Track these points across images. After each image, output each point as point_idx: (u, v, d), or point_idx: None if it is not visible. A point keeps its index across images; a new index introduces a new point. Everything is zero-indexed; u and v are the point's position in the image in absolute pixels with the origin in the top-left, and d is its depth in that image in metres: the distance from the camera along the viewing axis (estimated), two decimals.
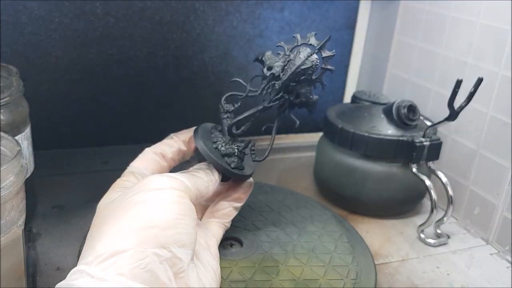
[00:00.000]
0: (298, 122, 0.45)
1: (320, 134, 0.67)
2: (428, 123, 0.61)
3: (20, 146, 0.39)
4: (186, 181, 0.38)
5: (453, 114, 0.54)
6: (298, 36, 0.43)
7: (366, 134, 0.57)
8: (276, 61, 0.43)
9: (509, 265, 0.55)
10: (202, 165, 0.43)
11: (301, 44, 0.43)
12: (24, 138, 0.49)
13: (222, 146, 0.44)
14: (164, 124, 0.75)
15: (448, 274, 0.52)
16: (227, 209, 0.45)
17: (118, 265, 0.31)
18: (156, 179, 0.37)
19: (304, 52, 0.42)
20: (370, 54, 0.83)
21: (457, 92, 0.52)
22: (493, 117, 0.57)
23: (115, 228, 0.33)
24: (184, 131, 0.47)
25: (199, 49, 0.74)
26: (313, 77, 0.43)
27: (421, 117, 0.62)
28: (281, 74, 0.42)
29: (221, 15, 0.73)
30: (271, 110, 0.44)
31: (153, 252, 0.32)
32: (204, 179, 0.41)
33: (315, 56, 0.42)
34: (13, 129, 0.47)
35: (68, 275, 0.32)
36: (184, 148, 0.46)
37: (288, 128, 0.84)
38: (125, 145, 0.74)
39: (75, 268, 0.32)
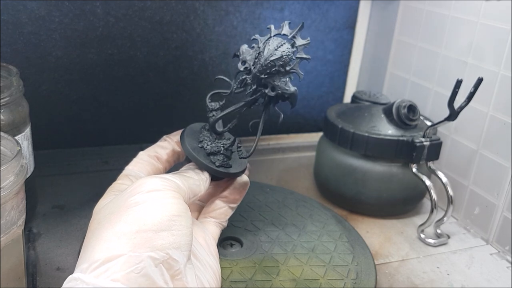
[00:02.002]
0: (282, 115, 0.43)
1: (320, 134, 0.67)
2: (428, 123, 0.61)
3: (20, 146, 0.39)
4: (178, 181, 0.38)
5: (453, 114, 0.54)
6: (272, 26, 0.41)
7: (366, 134, 0.57)
8: (250, 54, 0.41)
9: (509, 265, 0.55)
10: (191, 165, 0.43)
11: (274, 35, 0.40)
12: (24, 138, 0.49)
13: (207, 145, 0.44)
14: (164, 124, 0.75)
15: (448, 274, 0.52)
16: (223, 209, 0.45)
17: (112, 271, 0.31)
18: (149, 181, 0.36)
19: (274, 42, 0.39)
20: (370, 54, 0.83)
21: (457, 92, 0.52)
22: (493, 117, 0.57)
23: (109, 233, 0.33)
24: (177, 132, 0.47)
25: (199, 49, 0.74)
26: (287, 68, 0.40)
27: (421, 117, 0.62)
28: (252, 68, 0.40)
29: (221, 15, 0.73)
30: (256, 106, 0.43)
31: (148, 255, 0.32)
32: (195, 178, 0.41)
33: (286, 46, 0.39)
34: (13, 129, 0.47)
35: (64, 283, 0.32)
36: (178, 149, 0.46)
37: (287, 128, 0.85)
38: (125, 145, 0.74)
39: (70, 276, 0.32)
